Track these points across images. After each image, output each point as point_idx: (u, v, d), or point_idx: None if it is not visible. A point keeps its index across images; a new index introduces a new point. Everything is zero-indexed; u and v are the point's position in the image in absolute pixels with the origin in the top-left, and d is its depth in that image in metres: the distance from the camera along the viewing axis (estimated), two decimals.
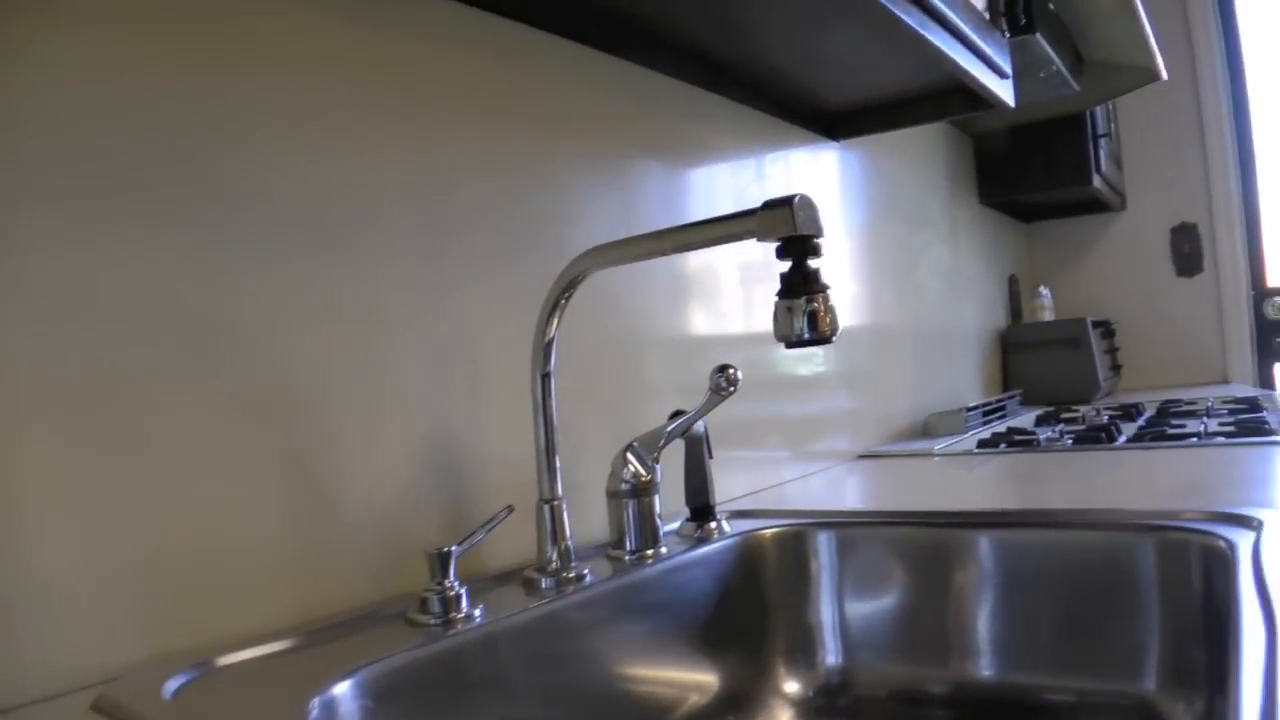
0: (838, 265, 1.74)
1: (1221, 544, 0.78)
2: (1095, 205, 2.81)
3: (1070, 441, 1.68)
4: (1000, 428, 2.01)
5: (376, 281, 0.80)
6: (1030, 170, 2.45)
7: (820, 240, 0.64)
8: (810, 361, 1.57)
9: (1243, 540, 0.78)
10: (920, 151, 2.23)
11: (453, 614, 0.71)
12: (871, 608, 1.02)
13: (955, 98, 1.54)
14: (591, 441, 1.04)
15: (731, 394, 0.92)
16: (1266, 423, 1.65)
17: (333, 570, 0.75)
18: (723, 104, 1.38)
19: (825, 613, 1.04)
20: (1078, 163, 2.35)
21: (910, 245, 2.10)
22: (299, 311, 0.74)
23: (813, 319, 0.63)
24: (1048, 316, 2.72)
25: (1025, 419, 2.24)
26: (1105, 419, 2.10)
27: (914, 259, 2.12)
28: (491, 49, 0.95)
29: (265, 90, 0.72)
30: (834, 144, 1.73)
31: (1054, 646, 0.91)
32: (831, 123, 1.68)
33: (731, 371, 0.91)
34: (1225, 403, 2.14)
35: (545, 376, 0.82)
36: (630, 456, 0.94)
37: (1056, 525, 0.94)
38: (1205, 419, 1.79)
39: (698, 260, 1.28)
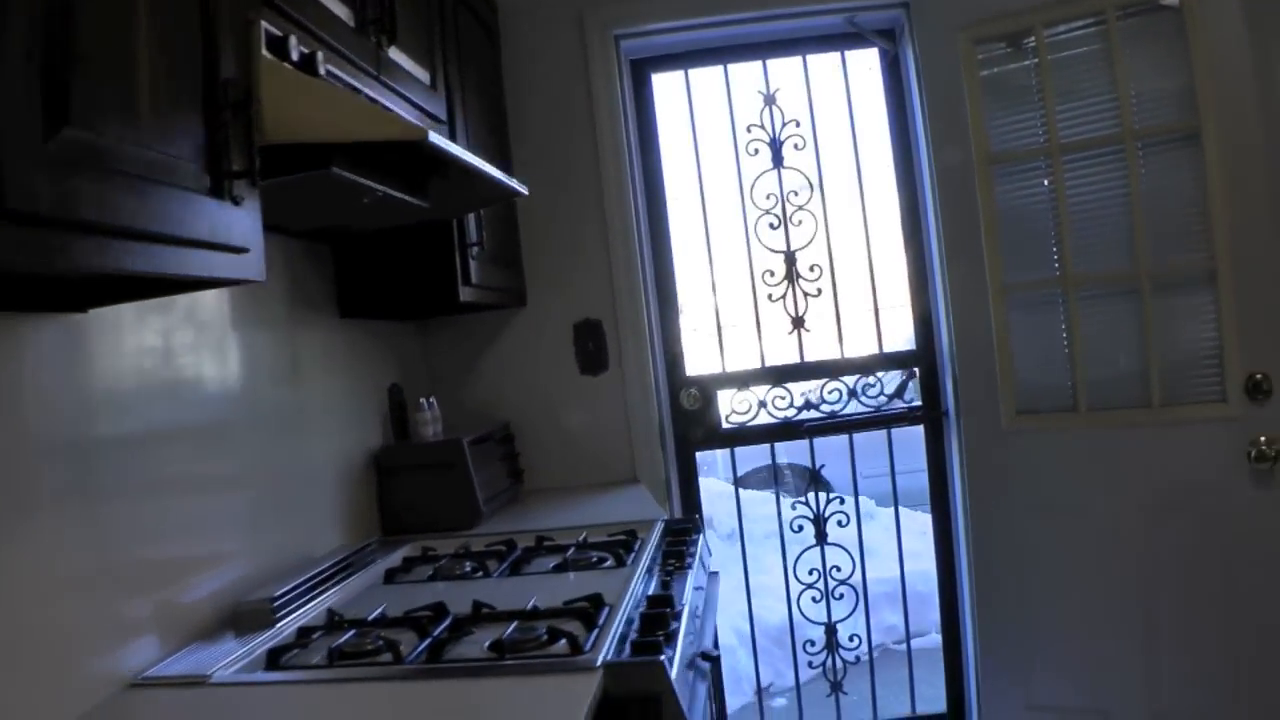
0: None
1: None
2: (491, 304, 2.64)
3: (387, 643, 1.45)
4: (320, 610, 1.71)
5: None
6: (396, 283, 2.19)
7: None
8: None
9: None
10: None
11: None
12: None
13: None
14: None
15: None
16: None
17: None
18: None
19: None
20: (444, 277, 2.12)
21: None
22: None
23: None
24: (433, 432, 2.46)
25: (378, 570, 1.99)
26: (467, 567, 1.96)
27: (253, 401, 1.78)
28: None
29: None
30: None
31: None
32: None
33: None
34: (609, 534, 2.11)
35: None
36: None
37: None
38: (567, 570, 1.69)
39: None
